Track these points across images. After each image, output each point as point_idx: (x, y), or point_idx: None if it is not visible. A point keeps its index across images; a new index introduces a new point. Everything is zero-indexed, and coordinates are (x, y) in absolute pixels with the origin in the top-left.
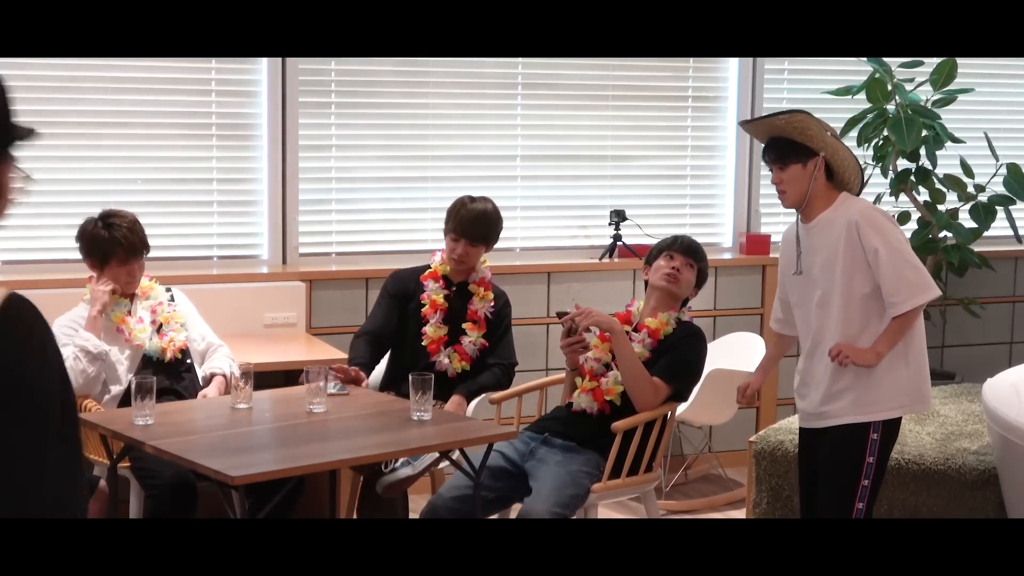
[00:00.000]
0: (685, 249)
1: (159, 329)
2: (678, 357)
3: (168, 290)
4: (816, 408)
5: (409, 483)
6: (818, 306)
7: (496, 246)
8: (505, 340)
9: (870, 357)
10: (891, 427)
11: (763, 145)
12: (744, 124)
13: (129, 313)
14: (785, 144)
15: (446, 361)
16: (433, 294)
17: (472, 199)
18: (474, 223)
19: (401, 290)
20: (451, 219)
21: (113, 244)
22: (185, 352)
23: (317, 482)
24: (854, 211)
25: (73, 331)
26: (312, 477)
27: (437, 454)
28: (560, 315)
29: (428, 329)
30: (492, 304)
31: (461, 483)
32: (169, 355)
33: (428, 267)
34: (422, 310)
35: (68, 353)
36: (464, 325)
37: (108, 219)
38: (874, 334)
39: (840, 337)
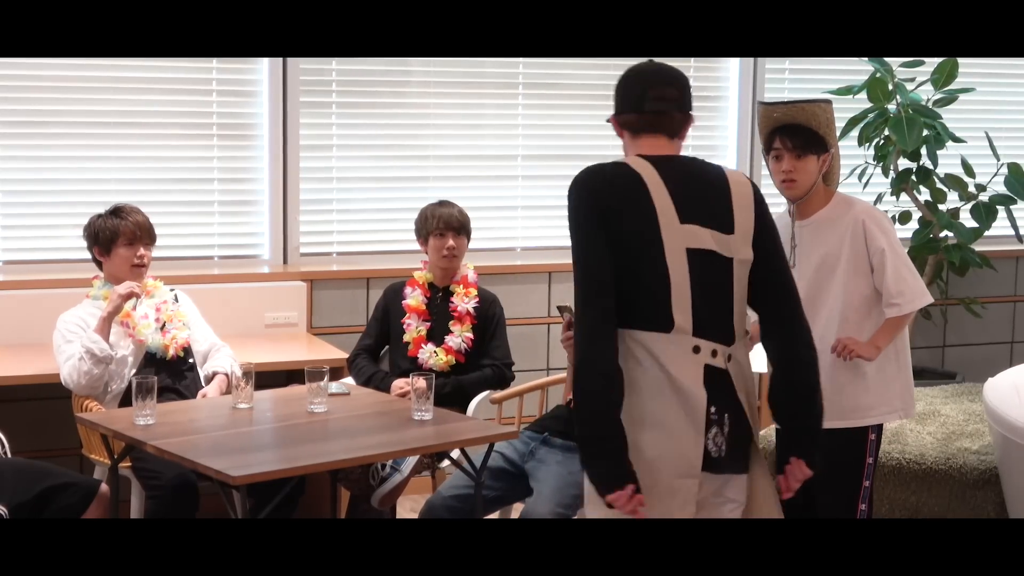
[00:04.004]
0: None
1: (162, 327)
2: None
3: (172, 290)
4: None
5: (402, 488)
6: (806, 303)
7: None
8: (497, 341)
9: (870, 350)
10: (882, 429)
11: (771, 131)
12: (768, 105)
13: (134, 308)
14: (808, 133)
15: (429, 358)
16: (412, 299)
17: (437, 203)
18: (453, 217)
19: (394, 302)
20: (430, 220)
21: (118, 225)
22: (187, 351)
23: (317, 482)
24: (859, 211)
25: (81, 329)
26: (312, 477)
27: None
28: (561, 309)
29: (408, 329)
30: (477, 301)
31: (460, 482)
32: (172, 352)
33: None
34: (402, 318)
35: (74, 351)
36: (449, 323)
37: (115, 209)
38: (865, 336)
39: (833, 338)
